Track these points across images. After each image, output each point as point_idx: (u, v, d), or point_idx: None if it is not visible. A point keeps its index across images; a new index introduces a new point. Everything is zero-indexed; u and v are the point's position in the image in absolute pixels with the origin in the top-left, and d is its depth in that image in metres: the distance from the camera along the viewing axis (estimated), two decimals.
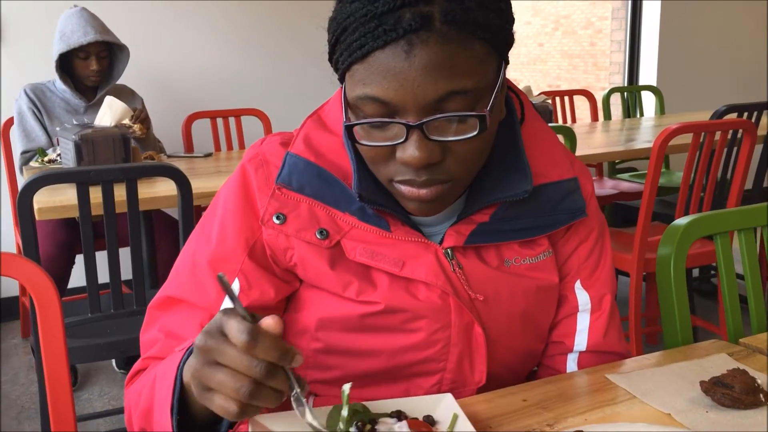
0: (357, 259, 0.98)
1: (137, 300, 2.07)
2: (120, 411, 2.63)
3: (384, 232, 0.99)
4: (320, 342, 1.01)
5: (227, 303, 0.97)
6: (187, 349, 0.84)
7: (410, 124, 0.88)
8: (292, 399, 0.78)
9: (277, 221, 0.98)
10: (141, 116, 2.89)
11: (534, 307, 1.07)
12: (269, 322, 0.74)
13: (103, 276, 2.01)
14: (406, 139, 0.89)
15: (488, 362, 1.03)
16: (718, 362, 1.09)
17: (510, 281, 1.04)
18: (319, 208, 1.00)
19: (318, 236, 0.98)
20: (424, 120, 0.87)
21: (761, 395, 0.96)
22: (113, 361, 3.10)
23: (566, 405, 0.98)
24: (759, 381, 0.98)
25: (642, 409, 0.97)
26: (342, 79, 0.95)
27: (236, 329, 0.73)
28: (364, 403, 0.92)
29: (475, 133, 0.89)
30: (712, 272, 3.82)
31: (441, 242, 1.02)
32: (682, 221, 1.28)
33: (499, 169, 1.03)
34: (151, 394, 0.89)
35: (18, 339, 3.47)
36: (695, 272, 3.80)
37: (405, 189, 0.93)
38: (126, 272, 2.04)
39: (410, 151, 0.89)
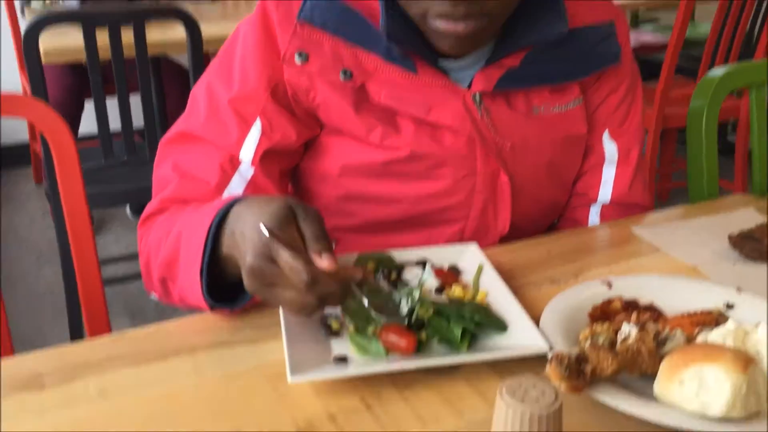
0: (382, 102, 0.94)
1: (150, 148, 2.04)
2: (136, 256, 2.68)
3: (410, 74, 0.95)
4: (342, 188, 0.99)
5: (249, 142, 0.94)
6: (219, 209, 0.81)
7: None
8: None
9: (299, 60, 0.93)
10: None
11: (560, 157, 1.04)
12: (325, 264, 0.71)
13: (113, 123, 1.97)
14: None
15: (512, 212, 1.02)
16: (745, 216, 1.08)
17: (538, 129, 1.01)
18: (343, 47, 0.94)
19: (342, 77, 0.93)
20: None
21: None
22: (127, 208, 3.14)
23: (590, 256, 0.98)
24: None
25: (667, 261, 0.96)
26: None
27: (293, 269, 0.70)
28: (388, 252, 0.91)
29: None
30: (729, 127, 3.76)
31: (469, 87, 0.98)
32: (717, 72, 1.22)
33: (533, 9, 0.97)
34: (176, 248, 0.86)
35: (31, 185, 3.50)
36: None
37: (441, 24, 0.88)
38: (136, 121, 2.00)
39: None
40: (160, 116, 2.63)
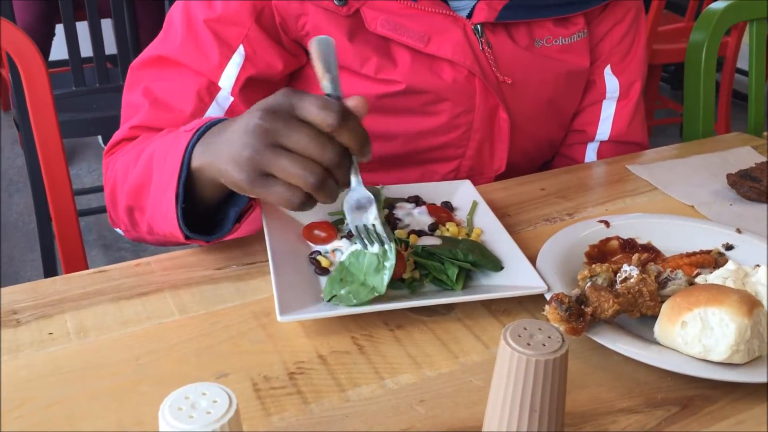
0: (378, 31, 0.89)
1: (123, 75, 1.96)
2: None
3: (409, 1, 0.89)
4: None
5: (230, 68, 0.88)
6: (197, 130, 0.76)
7: None
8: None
9: None
10: None
11: (561, 93, 1.00)
12: (356, 102, 0.66)
13: (84, 50, 1.88)
14: None
15: (509, 149, 0.98)
16: (741, 155, 1.05)
17: (540, 64, 0.96)
18: None
19: (336, 1, 0.88)
20: None
21: None
22: (99, 137, 3.05)
23: (586, 195, 0.95)
24: None
25: (664, 200, 0.94)
26: None
27: (322, 107, 0.63)
28: (378, 187, 0.87)
29: None
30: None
31: (470, 17, 0.92)
32: (719, 5, 1.18)
33: None
34: (147, 173, 0.79)
35: None
36: None
37: None
38: (108, 47, 1.91)
39: None
40: (133, 43, 2.52)
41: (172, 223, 0.75)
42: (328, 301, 0.69)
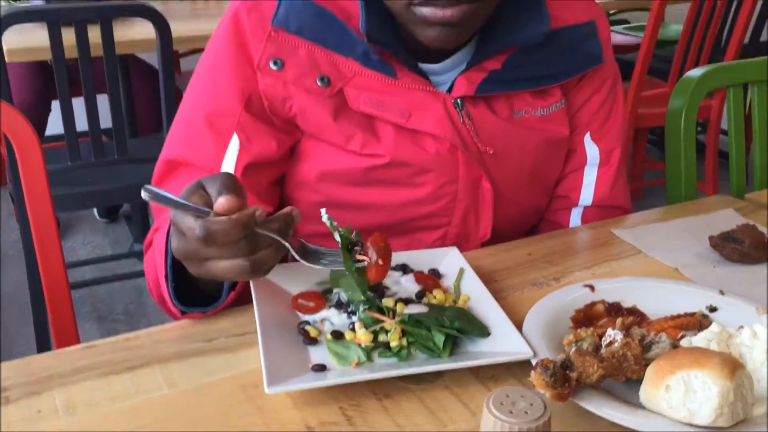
0: (361, 109, 0.91)
1: (118, 149, 2.00)
2: (104, 259, 2.63)
3: (389, 79, 0.92)
4: (321, 195, 0.97)
5: (228, 158, 0.91)
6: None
7: None
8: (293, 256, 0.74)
9: (274, 67, 0.90)
10: None
11: (543, 161, 1.03)
12: (220, 202, 0.68)
13: (80, 125, 1.92)
14: None
15: (493, 217, 1.00)
16: (724, 217, 1.07)
17: (520, 134, 0.99)
18: (320, 52, 0.91)
19: (319, 83, 0.91)
20: None
21: None
22: (95, 210, 3.07)
23: (572, 259, 0.96)
24: None
25: (648, 263, 0.95)
26: None
27: (190, 229, 0.68)
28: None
29: None
30: (698, 128, 3.80)
31: (450, 91, 0.95)
32: (696, 72, 1.22)
33: (513, 10, 0.95)
34: (154, 265, 0.86)
35: None
36: None
37: (427, 11, 0.84)
38: (103, 121, 1.95)
39: None
40: (128, 117, 2.57)
41: (168, 305, 0.81)
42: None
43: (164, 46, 1.89)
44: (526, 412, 0.50)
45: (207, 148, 0.92)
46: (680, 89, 1.20)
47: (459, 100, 0.95)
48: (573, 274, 0.92)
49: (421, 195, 0.96)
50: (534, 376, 0.65)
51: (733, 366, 0.62)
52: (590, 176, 1.07)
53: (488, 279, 0.89)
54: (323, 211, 0.76)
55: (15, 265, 2.68)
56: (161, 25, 1.86)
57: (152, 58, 2.18)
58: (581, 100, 1.05)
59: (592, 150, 1.06)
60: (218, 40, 0.94)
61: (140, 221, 2.62)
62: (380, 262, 0.74)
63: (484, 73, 0.95)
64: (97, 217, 3.07)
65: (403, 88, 0.92)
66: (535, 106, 0.99)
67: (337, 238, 0.76)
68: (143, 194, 0.70)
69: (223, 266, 0.70)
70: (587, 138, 1.06)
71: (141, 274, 2.44)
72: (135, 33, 2.13)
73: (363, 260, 0.74)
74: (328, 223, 0.76)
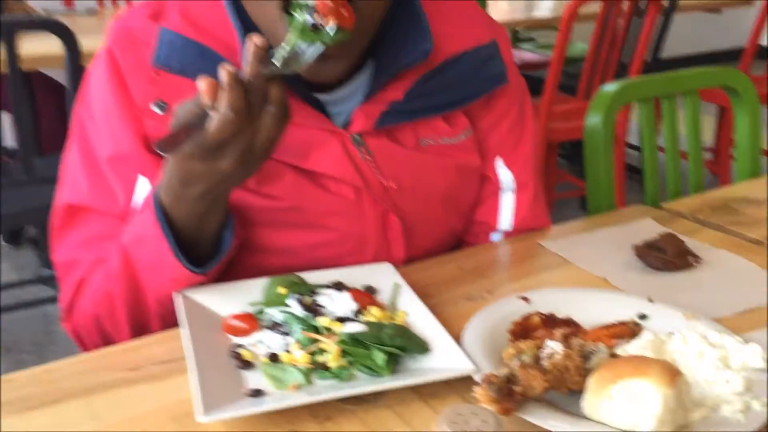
0: None
1: (25, 169, 1.89)
2: (9, 286, 2.48)
3: None
4: (236, 238, 0.87)
5: (138, 198, 0.88)
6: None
7: None
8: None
9: (158, 111, 0.82)
10: None
11: (455, 189, 1.00)
12: (202, 86, 0.71)
13: None
14: None
15: (407, 248, 0.97)
16: (644, 227, 1.10)
17: (427, 162, 0.96)
18: None
19: None
20: None
21: (690, 258, 0.97)
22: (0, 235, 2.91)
23: (502, 272, 0.97)
24: (688, 245, 0.99)
25: (577, 273, 0.96)
26: None
27: (198, 116, 0.71)
28: (300, 274, 0.86)
29: None
30: None
31: (348, 125, 0.92)
32: (611, 87, 1.26)
33: (397, 34, 0.93)
34: (130, 265, 0.84)
35: None
36: None
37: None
38: (8, 140, 1.85)
39: None
40: (34, 135, 2.45)
41: (170, 263, 0.80)
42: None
43: (72, 62, 1.81)
44: (480, 429, 0.49)
45: (113, 192, 0.88)
46: (597, 104, 1.23)
47: (358, 137, 0.92)
48: (504, 287, 0.92)
49: (330, 238, 0.93)
50: (479, 392, 0.64)
51: (673, 373, 0.63)
52: (507, 201, 1.05)
53: (423, 294, 0.88)
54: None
55: None
56: (69, 40, 1.78)
57: (57, 74, 2.08)
58: (489, 124, 1.02)
59: (505, 175, 1.04)
60: (97, 84, 0.90)
61: (47, 245, 2.49)
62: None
63: (383, 105, 0.92)
64: (1, 241, 2.91)
65: (298, 125, 0.86)
66: (442, 134, 0.97)
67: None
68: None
69: (250, 135, 0.72)
70: (499, 163, 1.03)
71: (49, 300, 2.33)
72: (39, 48, 2.03)
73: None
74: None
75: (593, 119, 1.23)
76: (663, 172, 1.37)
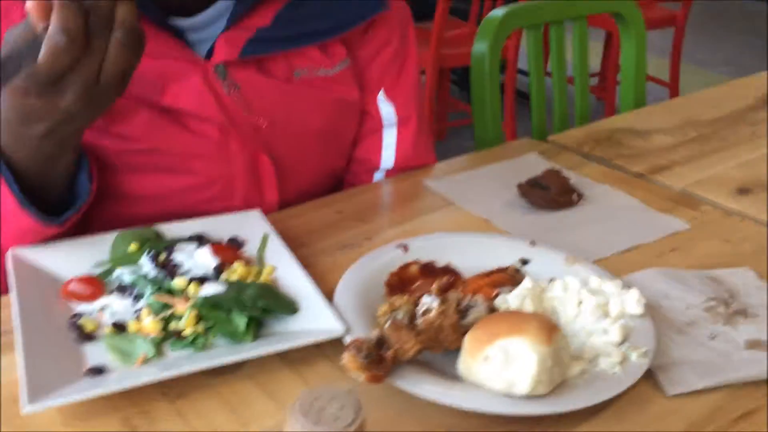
0: None
1: None
2: None
3: None
4: (93, 183, 0.78)
5: None
6: None
7: None
8: None
9: None
10: None
11: (333, 124, 0.93)
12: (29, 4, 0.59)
13: None
14: None
15: (281, 191, 0.90)
16: (529, 162, 1.07)
17: (302, 95, 0.88)
18: None
19: None
20: None
21: (574, 195, 0.94)
22: None
23: (383, 215, 0.91)
24: (571, 181, 0.96)
25: (460, 215, 0.92)
26: None
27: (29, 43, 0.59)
28: (156, 227, 0.77)
29: None
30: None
31: (210, 55, 0.82)
32: (498, 12, 1.20)
33: None
34: None
35: None
36: None
37: None
38: None
39: None
40: None
41: (14, 211, 0.69)
42: None
43: None
44: (336, 419, 0.43)
45: None
46: (483, 31, 1.17)
47: (222, 67, 0.82)
48: (385, 232, 0.87)
49: (194, 183, 0.84)
50: (347, 359, 0.59)
51: (551, 329, 0.60)
52: (390, 138, 0.99)
53: (296, 244, 0.82)
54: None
55: None
56: None
57: None
58: (369, 55, 0.95)
59: (387, 109, 0.97)
60: None
61: None
62: None
63: (249, 31, 0.83)
64: None
65: (152, 54, 0.75)
66: (318, 65, 0.88)
67: None
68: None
69: (94, 67, 0.61)
70: (381, 97, 0.97)
71: None
72: None
73: None
74: None
75: (479, 46, 1.17)
76: (551, 101, 1.34)
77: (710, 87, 1.42)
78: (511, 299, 0.71)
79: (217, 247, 0.75)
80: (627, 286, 0.74)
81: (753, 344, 0.68)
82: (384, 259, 0.77)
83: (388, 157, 1.00)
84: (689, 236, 0.88)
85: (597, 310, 0.68)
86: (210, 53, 0.83)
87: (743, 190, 1.01)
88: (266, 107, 0.85)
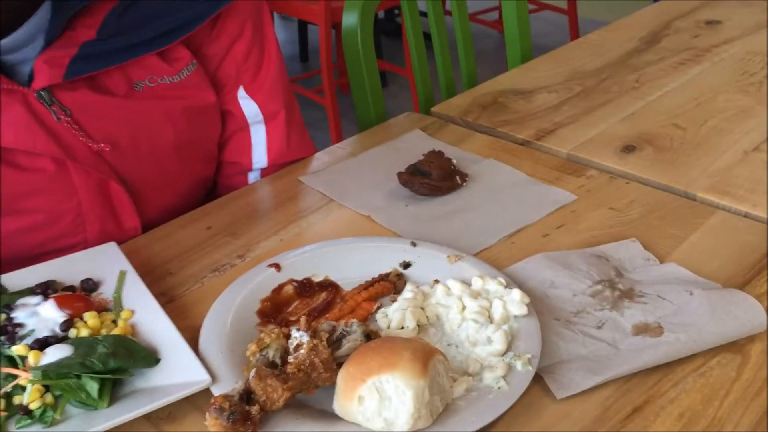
0: None
1: None
2: None
3: None
4: None
5: None
6: None
7: None
8: None
9: None
10: None
11: (188, 133, 0.85)
12: None
13: None
14: None
15: (142, 213, 0.83)
16: (412, 140, 1.02)
17: (147, 109, 0.80)
18: None
19: None
20: None
21: (457, 178, 0.90)
22: None
23: (257, 226, 0.85)
24: (454, 162, 0.92)
25: (340, 214, 0.87)
26: None
27: None
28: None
29: None
30: (396, 11, 3.84)
31: (30, 80, 0.73)
32: None
33: None
34: None
35: None
36: (380, 14, 3.79)
37: None
38: None
39: None
40: None
41: None
42: None
43: None
44: None
45: None
46: (351, 4, 1.10)
47: (46, 92, 0.73)
48: (260, 246, 0.81)
49: (33, 222, 0.76)
50: (209, 423, 0.53)
51: (425, 357, 0.56)
52: (258, 136, 0.92)
53: (162, 272, 0.75)
54: None
55: None
56: None
57: None
58: (220, 52, 0.87)
59: (250, 106, 0.90)
60: None
61: None
62: None
63: (73, 48, 0.73)
64: None
65: None
66: (161, 74, 0.80)
67: None
68: None
69: None
70: (241, 94, 0.89)
71: None
72: None
73: None
74: None
75: (348, 21, 1.10)
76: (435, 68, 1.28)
77: (608, 10, 1.39)
78: (391, 313, 0.67)
79: (64, 298, 0.67)
80: (511, 279, 0.71)
81: (640, 329, 0.66)
82: (255, 281, 0.72)
83: (259, 155, 0.94)
84: (575, 208, 0.86)
85: (480, 316, 0.65)
86: (31, 77, 0.73)
87: (628, 148, 0.99)
88: (107, 128, 0.77)
